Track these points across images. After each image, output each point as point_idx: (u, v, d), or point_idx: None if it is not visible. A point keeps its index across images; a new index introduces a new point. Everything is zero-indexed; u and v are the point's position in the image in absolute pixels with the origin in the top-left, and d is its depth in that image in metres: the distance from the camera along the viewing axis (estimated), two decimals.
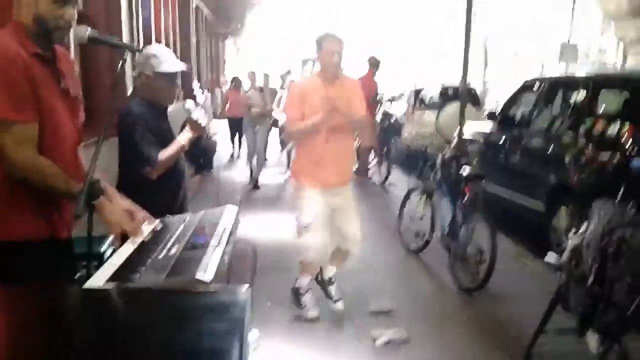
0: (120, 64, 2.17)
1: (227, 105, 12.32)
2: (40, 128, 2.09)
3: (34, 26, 2.10)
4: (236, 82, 12.68)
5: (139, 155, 2.94)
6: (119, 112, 3.03)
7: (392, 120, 10.48)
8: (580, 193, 5.06)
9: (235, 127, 11.93)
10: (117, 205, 2.14)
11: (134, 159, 2.96)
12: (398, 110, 11.90)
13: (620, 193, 3.15)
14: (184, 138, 3.07)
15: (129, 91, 5.54)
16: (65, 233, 2.24)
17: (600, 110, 5.68)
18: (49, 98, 2.12)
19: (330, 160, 4.08)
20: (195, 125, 3.09)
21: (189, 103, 3.14)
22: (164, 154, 2.99)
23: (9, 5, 2.18)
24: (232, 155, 12.70)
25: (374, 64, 9.75)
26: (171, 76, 3.05)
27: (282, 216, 6.44)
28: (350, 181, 4.39)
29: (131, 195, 2.31)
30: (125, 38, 6.22)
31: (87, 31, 2.09)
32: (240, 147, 12.38)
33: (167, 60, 3.02)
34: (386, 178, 9.80)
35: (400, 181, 9.57)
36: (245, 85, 10.44)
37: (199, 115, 3.09)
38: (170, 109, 3.19)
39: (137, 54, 2.97)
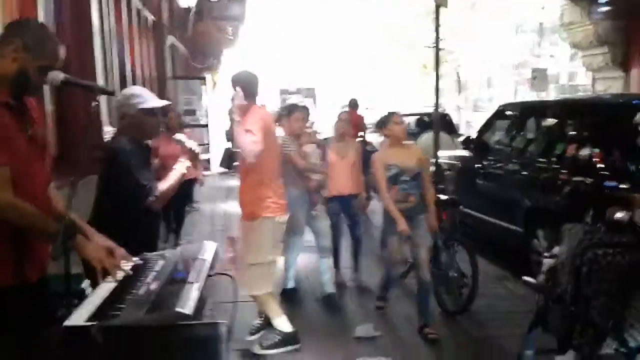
0: (93, 105, 2.20)
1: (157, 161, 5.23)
2: (12, 172, 2.10)
3: (16, 77, 2.12)
4: (170, 124, 6.31)
5: (140, 189, 2.89)
6: (106, 153, 3.02)
7: (368, 149, 10.56)
8: (553, 215, 5.15)
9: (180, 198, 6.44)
10: (96, 242, 2.16)
11: (132, 194, 2.89)
12: (376, 139, 11.99)
13: (590, 215, 3.23)
14: (181, 166, 3.11)
15: (104, 131, 5.55)
16: (35, 276, 2.20)
17: (572, 134, 5.79)
18: (18, 144, 2.14)
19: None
20: (191, 153, 3.19)
21: (180, 135, 3.29)
22: (165, 184, 3.01)
23: None
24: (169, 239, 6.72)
25: (354, 104, 10.96)
26: (153, 112, 3.11)
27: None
28: (252, 218, 4.01)
29: (111, 235, 2.30)
30: (100, 79, 6.24)
31: (59, 75, 2.14)
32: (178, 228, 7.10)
33: (148, 98, 3.09)
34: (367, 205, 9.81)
35: (381, 208, 9.58)
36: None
37: (191, 144, 3.22)
38: None
39: (117, 96, 3.01)
